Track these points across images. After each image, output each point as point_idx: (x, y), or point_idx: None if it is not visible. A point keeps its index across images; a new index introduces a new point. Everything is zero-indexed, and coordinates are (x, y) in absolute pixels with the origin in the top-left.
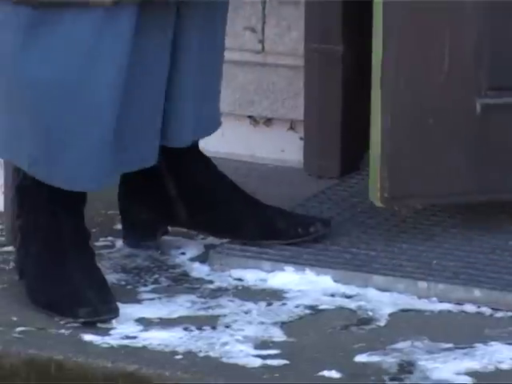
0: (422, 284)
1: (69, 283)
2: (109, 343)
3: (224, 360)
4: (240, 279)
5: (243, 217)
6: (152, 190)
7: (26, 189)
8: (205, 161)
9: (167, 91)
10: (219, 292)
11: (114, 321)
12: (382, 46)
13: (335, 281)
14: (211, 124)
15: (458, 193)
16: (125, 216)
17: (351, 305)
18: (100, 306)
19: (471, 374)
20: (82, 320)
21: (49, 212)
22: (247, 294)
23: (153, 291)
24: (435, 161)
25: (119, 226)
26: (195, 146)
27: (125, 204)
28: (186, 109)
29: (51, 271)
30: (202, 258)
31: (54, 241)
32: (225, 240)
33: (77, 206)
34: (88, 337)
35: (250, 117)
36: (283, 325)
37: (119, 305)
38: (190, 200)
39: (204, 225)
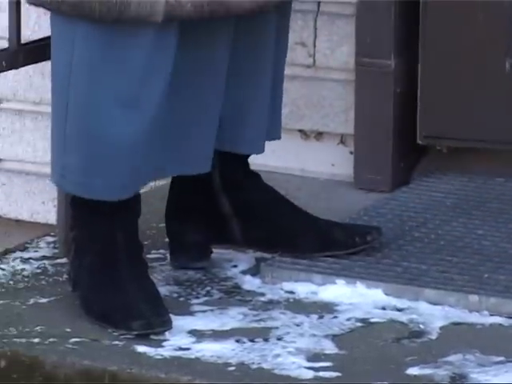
0: (473, 297)
1: (123, 295)
2: (162, 355)
3: (277, 372)
4: (291, 292)
5: (299, 231)
6: (205, 209)
7: (79, 201)
8: (256, 176)
9: (239, 93)
10: (271, 304)
11: (167, 333)
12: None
13: (386, 294)
14: (276, 132)
15: (486, 140)
16: (174, 238)
17: (402, 318)
18: (153, 319)
19: None
20: (135, 333)
21: (103, 224)
22: (299, 306)
23: (205, 303)
24: (467, 109)
25: None
26: (246, 161)
27: (174, 225)
28: (262, 114)
29: (105, 283)
30: (254, 271)
31: (108, 253)
32: (276, 254)
33: (131, 218)
34: (141, 348)
35: (300, 131)
36: (335, 337)
37: (172, 317)
38: (244, 217)
39: (259, 241)
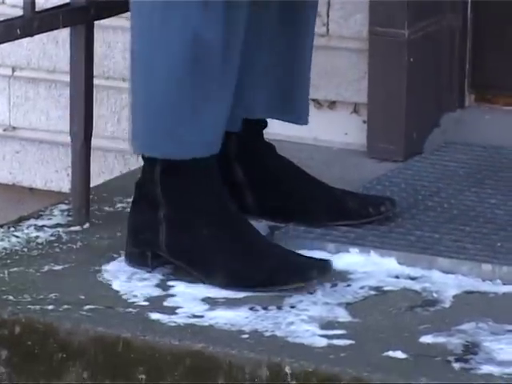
0: (487, 266)
1: (272, 254)
2: (176, 322)
3: (290, 340)
4: None
5: (313, 200)
6: (222, 178)
7: (172, 177)
8: (270, 147)
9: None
10: None
11: (180, 300)
12: None
13: (400, 263)
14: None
15: None
16: None
17: (416, 286)
18: (319, 262)
19: None
20: (315, 281)
21: (212, 192)
22: None
23: None
24: (510, 60)
25: None
26: (262, 131)
27: None
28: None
29: (246, 249)
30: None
31: (228, 219)
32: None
33: (218, 178)
34: (155, 315)
35: (313, 100)
36: (348, 305)
37: (185, 284)
38: (258, 186)
39: (273, 211)
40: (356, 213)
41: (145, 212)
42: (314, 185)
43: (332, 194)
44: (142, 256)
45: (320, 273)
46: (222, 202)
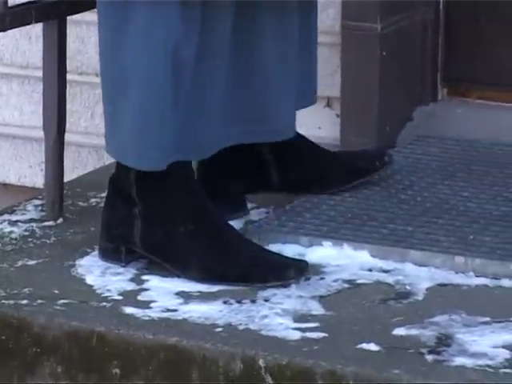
0: (459, 259)
1: (249, 251)
2: (150, 316)
3: (263, 333)
4: None
5: (328, 168)
6: (244, 156)
7: (148, 178)
8: None
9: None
10: None
11: (154, 294)
12: None
13: (373, 256)
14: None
15: (499, 83)
16: (214, 190)
17: (389, 279)
18: (296, 262)
19: (508, 347)
20: (292, 281)
21: (188, 190)
22: None
23: None
24: (483, 54)
25: None
26: None
27: (212, 178)
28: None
29: (222, 245)
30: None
31: (204, 217)
32: (263, 216)
33: (192, 182)
34: (129, 309)
35: None
36: (321, 299)
37: (159, 279)
38: (281, 161)
39: (295, 184)
40: (365, 169)
41: (119, 207)
42: (325, 154)
43: (342, 159)
44: (115, 251)
45: (297, 273)
46: (199, 201)
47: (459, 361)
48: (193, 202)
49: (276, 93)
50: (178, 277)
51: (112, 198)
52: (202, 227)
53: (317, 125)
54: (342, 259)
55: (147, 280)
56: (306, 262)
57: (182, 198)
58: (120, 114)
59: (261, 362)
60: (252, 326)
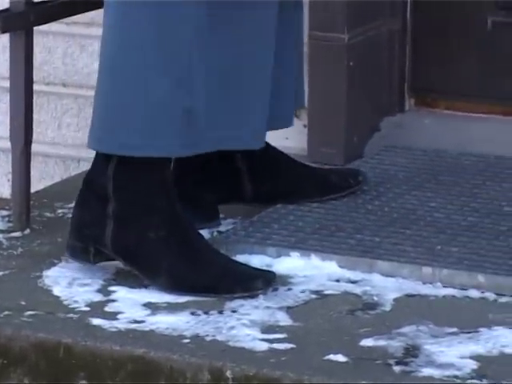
0: (427, 269)
1: (217, 261)
2: (117, 327)
3: (231, 344)
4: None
5: (303, 180)
6: (220, 167)
7: (127, 174)
8: None
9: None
10: None
11: (121, 305)
12: None
13: (340, 266)
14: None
15: (467, 94)
16: (187, 199)
17: (356, 290)
18: (264, 273)
19: (475, 357)
20: (260, 291)
21: (164, 194)
22: None
23: None
24: (450, 64)
25: None
26: None
27: (186, 186)
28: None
29: (192, 255)
30: None
31: (176, 223)
32: (230, 226)
33: (168, 187)
34: (96, 321)
35: None
36: (289, 309)
37: (126, 290)
38: (255, 172)
39: (268, 195)
40: (339, 186)
41: (92, 207)
42: (300, 167)
43: (317, 173)
44: (84, 250)
45: (264, 284)
46: (173, 207)
47: (427, 372)
48: (167, 207)
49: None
50: (146, 287)
51: (85, 196)
52: (174, 234)
53: (284, 135)
54: (309, 270)
55: (114, 291)
56: (273, 273)
57: (156, 200)
58: (130, 105)
59: (228, 373)
60: (219, 337)
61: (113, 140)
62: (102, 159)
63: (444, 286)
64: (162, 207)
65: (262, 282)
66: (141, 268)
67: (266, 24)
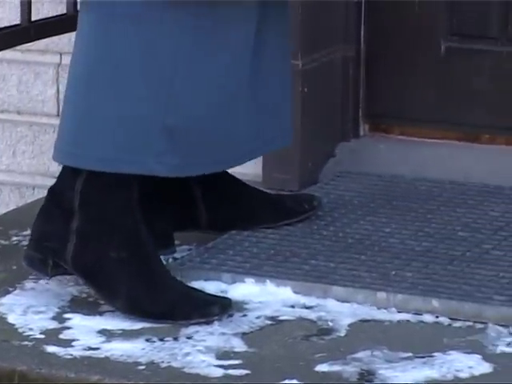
0: (381, 294)
1: (175, 287)
2: (72, 354)
3: (186, 370)
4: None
5: (257, 206)
6: (174, 194)
7: (94, 189)
8: None
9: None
10: None
11: (75, 332)
12: None
13: (295, 292)
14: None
15: (421, 120)
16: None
17: (311, 315)
18: (221, 300)
19: (430, 382)
20: (216, 317)
21: (129, 213)
22: None
23: None
24: (404, 90)
25: None
26: None
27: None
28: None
29: (151, 279)
30: None
31: (138, 245)
32: (185, 253)
33: (134, 208)
34: (51, 348)
35: None
36: (244, 335)
37: (81, 317)
38: (210, 199)
39: (223, 222)
40: (294, 211)
41: (56, 220)
42: (255, 192)
43: (271, 198)
44: (42, 262)
45: (221, 310)
46: (137, 226)
47: None
48: (131, 227)
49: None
50: (100, 314)
51: (49, 209)
52: (135, 256)
53: None
54: (264, 296)
55: (69, 318)
56: (229, 299)
57: (121, 220)
58: (105, 118)
59: None
60: (175, 364)
61: (85, 154)
62: (69, 173)
63: (398, 311)
64: (126, 227)
65: (219, 307)
66: (99, 288)
67: (245, 37)
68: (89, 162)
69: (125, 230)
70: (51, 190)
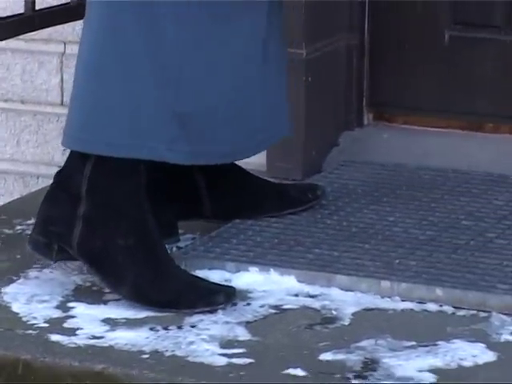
0: (385, 283)
1: (180, 276)
2: (76, 343)
3: (190, 359)
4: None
5: (261, 195)
6: (178, 183)
7: (103, 175)
8: None
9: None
10: None
11: (79, 321)
12: None
13: (299, 281)
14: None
15: (425, 109)
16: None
17: (315, 304)
18: (225, 288)
19: (434, 371)
20: (221, 306)
21: (137, 201)
22: None
23: None
24: (408, 79)
25: None
26: None
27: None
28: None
29: (157, 268)
30: None
31: (145, 233)
32: (189, 242)
33: (142, 195)
34: (55, 337)
35: None
36: (248, 324)
37: (85, 306)
38: (214, 188)
39: (227, 210)
40: (298, 200)
41: (62, 205)
42: (259, 181)
43: (275, 188)
44: (47, 246)
45: (226, 298)
46: (144, 214)
47: None
48: (138, 215)
49: None
50: (104, 303)
51: (55, 193)
52: (142, 244)
53: None
54: (268, 285)
55: (73, 307)
56: (233, 288)
57: (129, 207)
58: (118, 104)
59: None
60: (178, 353)
61: (94, 139)
62: (77, 158)
63: (402, 300)
64: (134, 215)
65: (223, 296)
66: (104, 275)
67: (258, 23)
68: (98, 147)
69: (132, 218)
70: (58, 174)
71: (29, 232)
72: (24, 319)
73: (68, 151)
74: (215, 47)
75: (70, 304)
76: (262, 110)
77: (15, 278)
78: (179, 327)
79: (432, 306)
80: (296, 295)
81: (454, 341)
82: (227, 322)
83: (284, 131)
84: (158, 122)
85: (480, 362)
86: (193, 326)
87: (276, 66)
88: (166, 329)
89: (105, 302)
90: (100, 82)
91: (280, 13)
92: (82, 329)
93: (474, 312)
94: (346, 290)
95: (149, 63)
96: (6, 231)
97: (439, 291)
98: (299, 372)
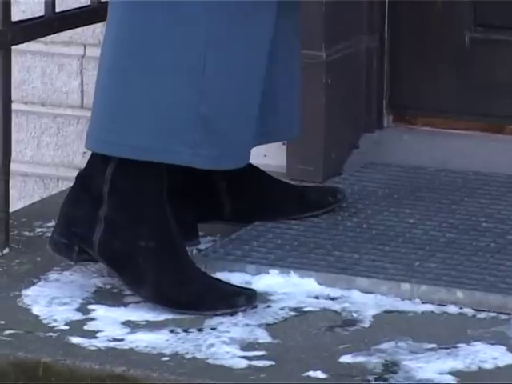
0: (405, 286)
1: (201, 279)
2: (96, 345)
3: (210, 361)
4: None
5: (281, 198)
6: (198, 186)
7: (125, 178)
8: None
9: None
10: None
11: (100, 323)
12: None
13: (319, 283)
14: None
15: (445, 111)
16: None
17: (335, 306)
18: (246, 291)
19: (454, 373)
20: (242, 308)
21: (159, 204)
22: None
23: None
24: (428, 81)
25: None
26: None
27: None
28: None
29: (178, 270)
30: None
31: (167, 235)
32: (209, 244)
33: (163, 198)
34: (75, 339)
35: None
36: (268, 327)
37: (105, 308)
38: (234, 191)
39: (246, 213)
40: (318, 204)
41: (84, 205)
42: (279, 184)
43: (296, 191)
44: (68, 247)
45: (247, 301)
46: (166, 217)
47: None
48: (161, 218)
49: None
50: (125, 306)
51: (77, 195)
52: (164, 247)
53: (263, 153)
54: (288, 287)
55: (93, 309)
56: (254, 291)
57: (151, 210)
58: (142, 107)
59: None
60: (199, 355)
61: (119, 142)
62: (100, 160)
63: (423, 302)
64: (155, 217)
65: (244, 299)
66: (125, 276)
67: (268, 28)
68: (122, 150)
69: (154, 220)
70: (80, 175)
71: (49, 234)
72: (44, 322)
73: (88, 154)
74: (233, 47)
75: (91, 306)
76: (271, 110)
77: (35, 281)
78: (199, 330)
79: (452, 309)
80: (316, 297)
81: (475, 343)
82: (247, 325)
83: (293, 133)
84: (183, 125)
85: (501, 364)
86: (213, 329)
87: (284, 66)
88: (186, 331)
89: (125, 305)
90: (123, 84)
91: (293, 14)
92: (102, 331)
93: (495, 314)
94: (366, 293)
95: (172, 64)
96: (27, 234)
97: (460, 293)
98: (319, 374)
